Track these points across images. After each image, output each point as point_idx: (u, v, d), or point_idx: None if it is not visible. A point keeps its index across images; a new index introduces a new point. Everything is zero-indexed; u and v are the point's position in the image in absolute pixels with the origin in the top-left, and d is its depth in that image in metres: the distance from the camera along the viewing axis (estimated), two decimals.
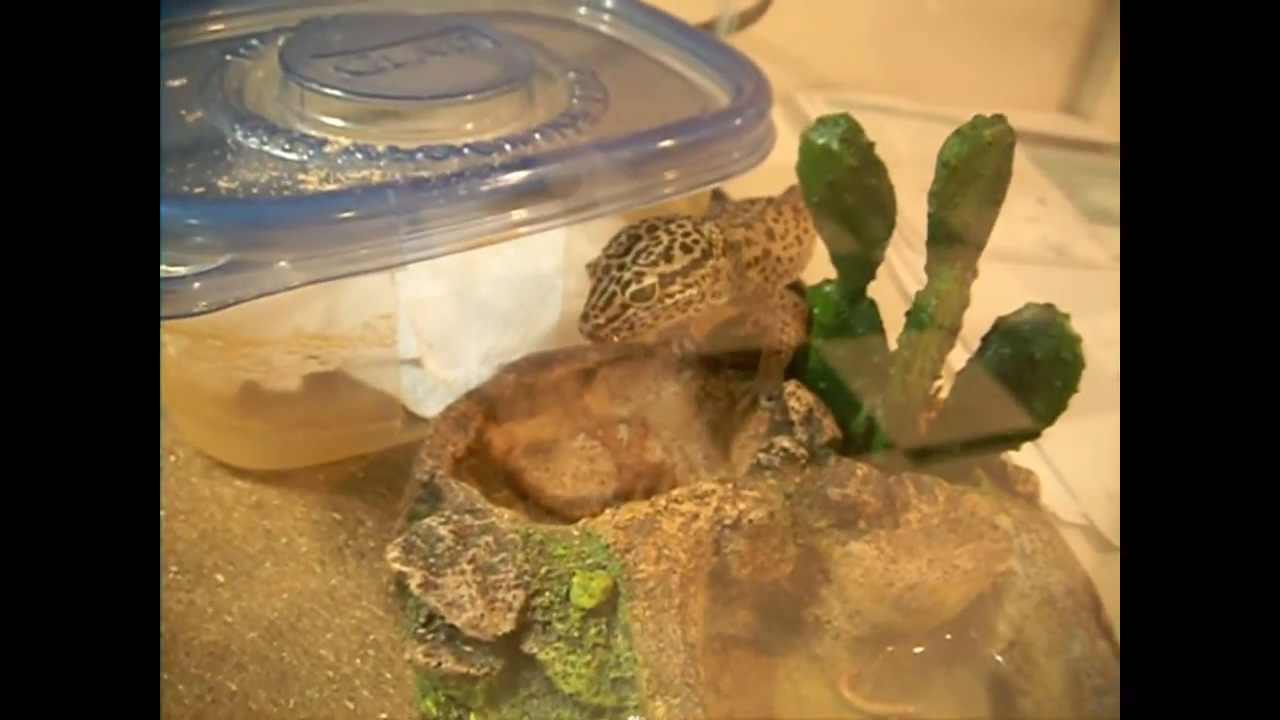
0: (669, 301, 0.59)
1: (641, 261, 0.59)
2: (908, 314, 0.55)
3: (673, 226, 0.61)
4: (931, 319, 0.53)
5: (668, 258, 0.59)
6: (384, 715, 0.58)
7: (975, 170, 0.49)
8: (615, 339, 0.59)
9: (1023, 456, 0.63)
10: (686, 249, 0.60)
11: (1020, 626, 0.58)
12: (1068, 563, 0.58)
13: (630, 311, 0.58)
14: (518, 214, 0.60)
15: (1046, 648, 0.57)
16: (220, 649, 0.59)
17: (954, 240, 0.52)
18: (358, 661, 0.60)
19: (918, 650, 0.60)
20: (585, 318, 0.58)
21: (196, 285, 0.53)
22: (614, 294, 0.58)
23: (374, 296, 0.66)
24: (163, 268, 0.54)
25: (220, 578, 0.63)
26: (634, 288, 0.58)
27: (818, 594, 0.58)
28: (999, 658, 0.59)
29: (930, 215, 0.52)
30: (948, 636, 0.60)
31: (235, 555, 0.65)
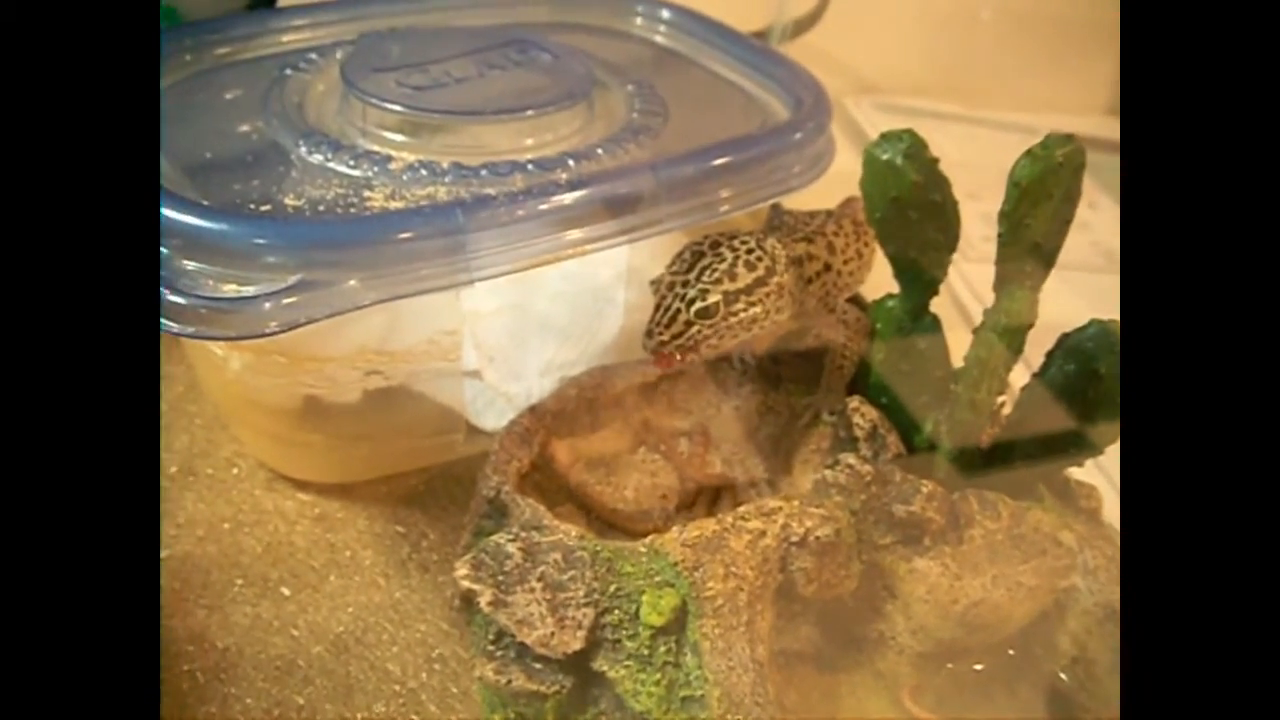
0: (733, 320, 0.59)
1: (706, 279, 0.59)
2: (975, 331, 0.55)
3: (736, 243, 0.61)
4: (1001, 338, 0.53)
5: (732, 276, 0.59)
6: None
7: (1046, 190, 0.49)
8: (679, 357, 0.59)
9: (1085, 472, 0.63)
10: (750, 266, 0.60)
11: (1083, 643, 0.58)
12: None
13: (694, 329, 0.58)
14: (581, 231, 0.60)
15: (1109, 665, 0.57)
16: (287, 663, 0.60)
17: (1024, 260, 0.52)
18: (424, 676, 0.60)
19: (980, 667, 0.60)
20: (649, 335, 0.58)
21: (267, 305, 0.54)
22: (678, 311, 0.58)
23: (438, 312, 0.66)
24: (232, 287, 0.54)
25: (286, 591, 0.64)
26: (698, 305, 0.58)
27: (882, 610, 0.58)
28: (1062, 674, 0.59)
29: (1001, 235, 0.51)
30: (1010, 652, 0.60)
31: (300, 569, 0.65)
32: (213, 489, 0.70)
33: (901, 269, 0.60)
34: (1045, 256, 0.52)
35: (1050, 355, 0.58)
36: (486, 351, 0.72)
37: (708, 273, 0.59)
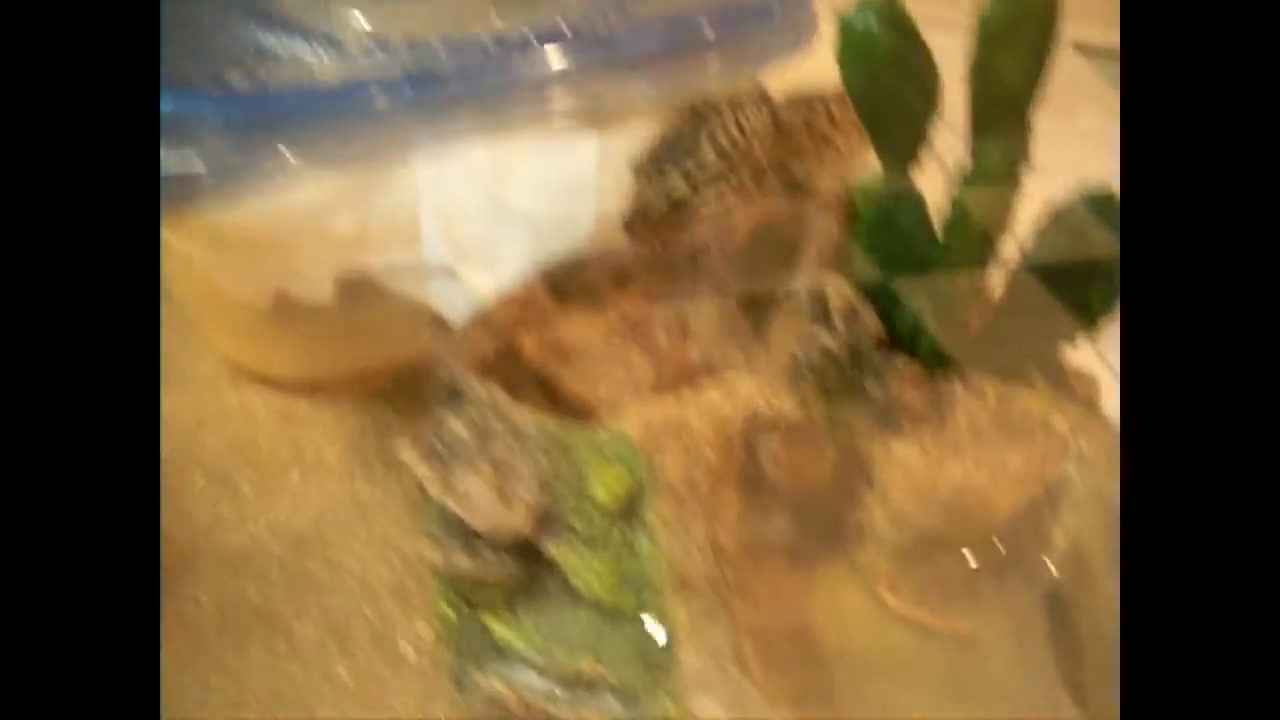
0: (712, 199, 0.57)
1: (683, 161, 0.57)
2: (951, 197, 0.52)
3: (712, 117, 0.58)
4: (974, 199, 0.50)
5: (705, 154, 0.57)
6: (405, 622, 0.56)
7: (1018, 28, 0.46)
8: (662, 241, 0.57)
9: (1083, 361, 0.59)
10: (730, 141, 0.57)
11: (1076, 535, 0.55)
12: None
13: (672, 217, 0.57)
14: (543, 105, 0.57)
15: (1103, 556, 0.54)
16: (243, 558, 0.58)
17: (996, 109, 0.48)
18: (382, 570, 0.59)
19: (969, 557, 0.57)
20: (628, 228, 0.57)
21: (207, 182, 0.52)
22: (652, 200, 0.57)
23: (398, 197, 0.63)
24: (173, 164, 0.52)
25: (246, 488, 0.62)
26: (676, 190, 0.56)
27: (858, 498, 0.55)
28: (1053, 569, 0.56)
29: (970, 82, 0.48)
30: (999, 546, 0.57)
31: (263, 466, 0.64)
32: (178, 388, 0.69)
33: (879, 138, 0.56)
34: (1021, 103, 0.48)
35: (1040, 228, 0.54)
36: (460, 246, 0.69)
37: (683, 155, 0.56)
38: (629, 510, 0.49)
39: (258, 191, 0.52)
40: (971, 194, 0.50)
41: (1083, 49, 1.12)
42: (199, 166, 0.51)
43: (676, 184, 0.56)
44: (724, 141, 0.57)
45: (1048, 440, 0.55)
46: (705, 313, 0.66)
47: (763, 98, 0.65)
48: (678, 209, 0.56)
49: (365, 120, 0.53)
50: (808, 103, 0.64)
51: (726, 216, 0.59)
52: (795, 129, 0.61)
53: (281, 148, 0.52)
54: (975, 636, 0.54)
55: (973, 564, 0.56)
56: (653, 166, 0.57)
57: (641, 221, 0.56)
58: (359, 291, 0.68)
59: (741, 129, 0.58)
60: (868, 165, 0.65)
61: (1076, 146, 0.66)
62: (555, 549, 0.49)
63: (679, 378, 0.63)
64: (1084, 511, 0.55)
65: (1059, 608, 0.55)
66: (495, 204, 0.71)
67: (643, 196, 0.56)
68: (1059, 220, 0.53)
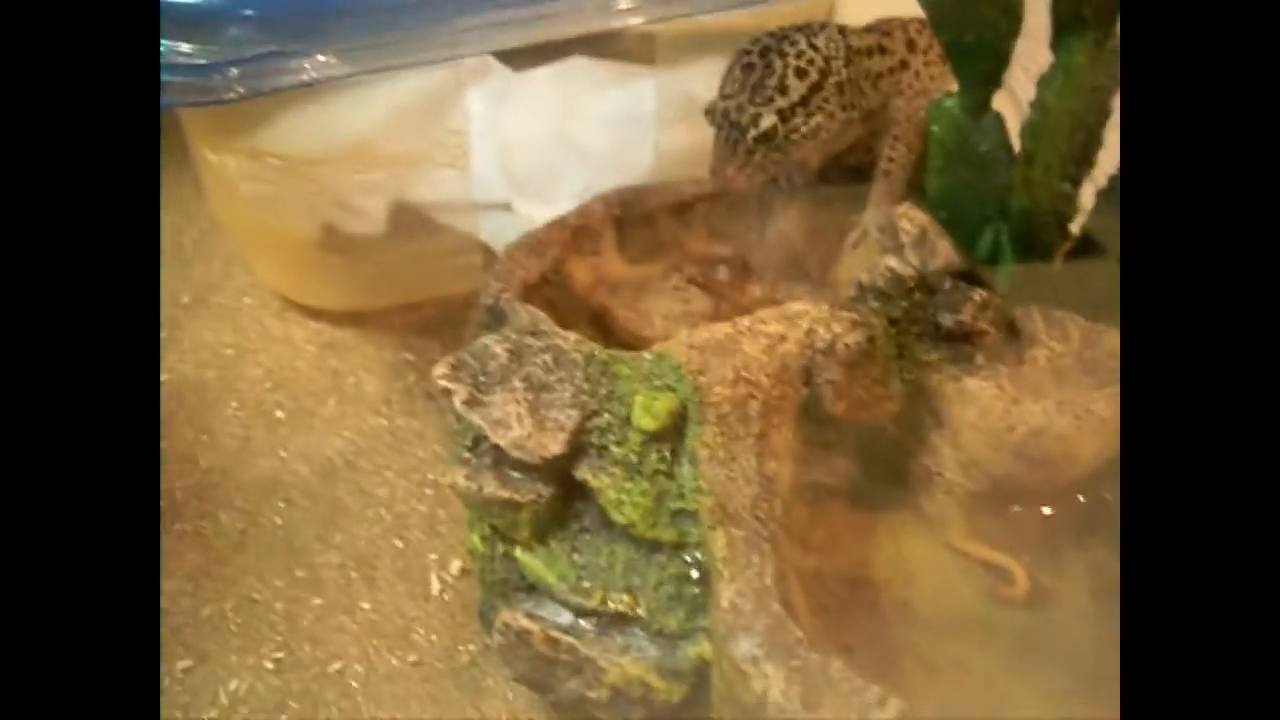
0: (795, 136, 0.54)
1: (758, 100, 0.53)
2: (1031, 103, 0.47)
3: (785, 47, 0.55)
4: (1056, 99, 0.45)
5: (783, 89, 0.54)
6: (434, 555, 0.54)
7: None
8: (754, 185, 0.55)
9: None
10: (801, 73, 0.54)
11: None
12: None
13: (758, 156, 0.54)
14: (589, 7, 0.53)
15: None
16: (269, 484, 0.57)
17: (1080, 4, 0.43)
18: (413, 501, 0.56)
19: (1046, 512, 0.52)
20: (713, 172, 0.54)
21: (234, 72, 0.49)
22: (737, 140, 0.53)
23: (439, 109, 0.61)
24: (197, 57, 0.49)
25: (280, 414, 0.60)
26: (754, 131, 0.53)
27: (927, 440, 0.51)
28: None
29: None
30: (1080, 498, 0.52)
31: (299, 394, 0.62)
32: (222, 318, 0.67)
33: (958, 59, 0.52)
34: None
35: None
36: (518, 180, 0.67)
37: (759, 92, 0.54)
38: (672, 436, 0.45)
39: (280, 83, 0.48)
40: (1052, 94, 0.45)
41: None
42: (225, 59, 0.48)
43: (764, 115, 0.53)
44: (805, 66, 0.54)
45: None
46: (770, 248, 0.62)
47: (838, 28, 0.61)
48: (766, 140, 0.53)
49: (402, 16, 0.50)
50: (885, 28, 0.60)
51: (818, 141, 0.56)
52: (870, 52, 0.58)
53: (314, 43, 0.49)
54: (1051, 595, 0.50)
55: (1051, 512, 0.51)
56: (730, 105, 0.53)
57: (729, 159, 0.53)
58: (409, 224, 0.65)
59: (819, 51, 0.54)
60: (949, 90, 0.60)
61: None
62: (591, 475, 0.45)
63: (739, 315, 0.59)
64: None
65: None
66: (557, 137, 0.68)
67: (724, 137, 0.54)
68: None
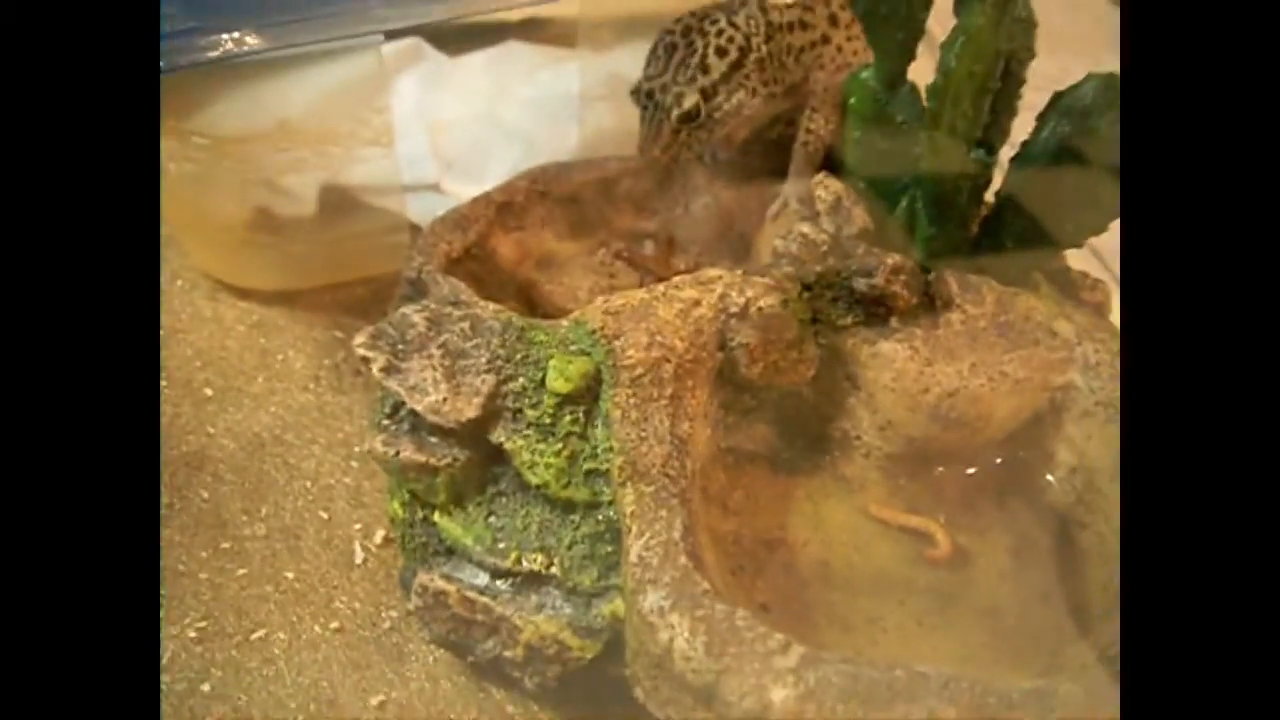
0: (718, 114, 0.56)
1: (681, 80, 0.55)
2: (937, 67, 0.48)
3: (706, 25, 0.56)
4: (958, 63, 0.46)
5: (704, 68, 0.55)
6: (358, 526, 0.54)
7: None
8: (679, 162, 0.57)
9: (1091, 267, 0.55)
10: (722, 51, 0.55)
11: (1082, 450, 0.51)
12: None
13: (683, 134, 0.55)
14: None
15: (1112, 473, 0.49)
16: (197, 459, 0.56)
17: None
18: (339, 474, 0.57)
19: (967, 472, 0.53)
20: (641, 151, 0.55)
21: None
22: (661, 121, 0.55)
23: (364, 88, 0.61)
24: None
25: (209, 392, 0.60)
26: (678, 111, 0.54)
27: (844, 404, 0.51)
28: (1056, 485, 0.52)
29: None
30: (998, 460, 0.53)
31: (228, 372, 0.62)
32: None
33: (873, 30, 0.53)
34: None
35: (1042, 117, 0.50)
36: (445, 160, 0.67)
37: (681, 71, 0.55)
38: (587, 399, 0.46)
39: (200, 58, 0.49)
40: (954, 56, 0.46)
41: None
42: None
43: (686, 94, 0.54)
44: (725, 44, 0.55)
45: (1051, 346, 0.51)
46: (694, 222, 0.63)
47: (758, 4, 0.62)
48: (690, 119, 0.54)
49: None
50: (807, 3, 0.61)
51: (743, 117, 0.57)
52: (792, 27, 0.58)
53: (234, 18, 0.50)
54: (970, 554, 0.50)
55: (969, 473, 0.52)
56: (654, 85, 0.54)
57: (654, 137, 0.54)
58: (338, 205, 0.66)
59: (739, 29, 0.55)
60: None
61: None
62: (506, 438, 0.46)
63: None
64: (1091, 424, 0.50)
65: (1062, 527, 0.51)
66: (486, 118, 0.69)
67: (649, 118, 0.55)
68: (1063, 104, 0.49)
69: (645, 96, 0.55)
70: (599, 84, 0.67)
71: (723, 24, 0.56)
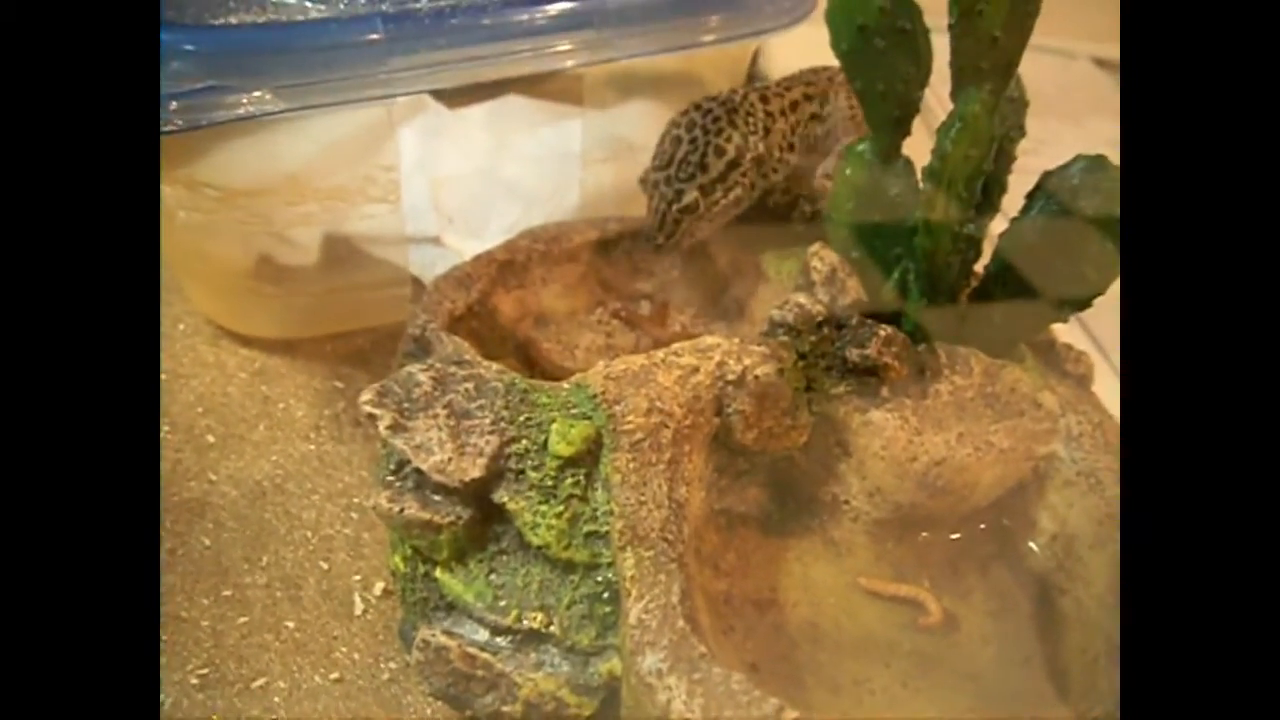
0: (716, 209, 0.60)
1: (681, 177, 0.59)
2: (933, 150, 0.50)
3: (708, 124, 0.60)
4: (955, 145, 0.48)
5: (703, 167, 0.59)
6: (358, 577, 0.55)
7: None
8: (682, 248, 0.60)
9: (1075, 339, 0.57)
10: (720, 151, 0.59)
11: (1064, 518, 0.52)
12: (1119, 449, 0.52)
13: (684, 224, 0.59)
14: (521, 50, 0.55)
15: (1092, 540, 0.51)
16: (199, 506, 0.57)
17: (980, 56, 0.46)
18: (339, 525, 0.57)
19: (951, 537, 0.54)
20: (648, 238, 0.59)
21: (173, 105, 0.51)
22: (665, 212, 0.59)
23: (373, 145, 0.62)
24: None
25: (211, 439, 0.61)
26: (678, 205, 0.58)
27: (835, 470, 0.53)
28: (1038, 551, 0.53)
29: (951, 26, 0.46)
30: (982, 526, 0.54)
31: (229, 419, 0.62)
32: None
33: (870, 105, 0.54)
34: (1005, 54, 0.46)
35: (1031, 196, 0.52)
36: (447, 213, 0.68)
37: (683, 168, 0.59)
38: (588, 462, 0.47)
39: (217, 117, 0.50)
40: (950, 141, 0.48)
41: (1102, 63, 1.11)
42: (166, 93, 0.50)
43: (686, 191, 0.58)
44: (724, 144, 0.59)
45: (1035, 417, 0.53)
46: (691, 285, 0.64)
47: (759, 96, 0.64)
48: (689, 212, 0.58)
49: (337, 53, 0.52)
50: (810, 93, 0.64)
51: (738, 208, 0.61)
52: (796, 105, 0.62)
53: (253, 79, 0.51)
54: (953, 618, 0.52)
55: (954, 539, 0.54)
56: (659, 177, 0.59)
57: (659, 226, 0.58)
58: (341, 256, 0.67)
59: (737, 129, 0.60)
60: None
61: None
62: (509, 498, 0.47)
63: (660, 349, 0.61)
64: (1073, 493, 0.52)
65: (1043, 592, 0.53)
66: (488, 173, 0.70)
67: (655, 207, 0.59)
68: (1053, 184, 0.51)
69: (651, 186, 0.59)
70: (601, 145, 0.69)
71: (723, 123, 0.59)
